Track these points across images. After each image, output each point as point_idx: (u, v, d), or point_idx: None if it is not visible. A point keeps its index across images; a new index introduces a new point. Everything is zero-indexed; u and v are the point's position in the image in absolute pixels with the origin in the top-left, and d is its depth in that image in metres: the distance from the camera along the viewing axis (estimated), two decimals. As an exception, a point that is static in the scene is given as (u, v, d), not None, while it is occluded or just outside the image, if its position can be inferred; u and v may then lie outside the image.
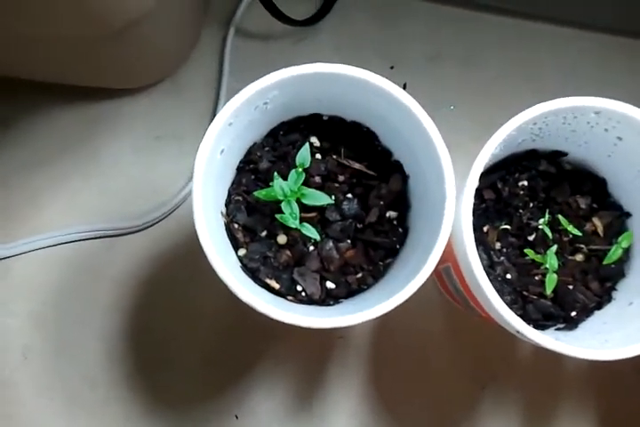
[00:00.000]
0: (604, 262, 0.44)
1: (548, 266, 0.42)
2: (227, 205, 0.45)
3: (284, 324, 0.53)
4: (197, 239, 0.37)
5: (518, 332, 0.37)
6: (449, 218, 0.38)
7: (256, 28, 0.62)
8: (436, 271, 0.49)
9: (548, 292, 0.42)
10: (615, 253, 0.44)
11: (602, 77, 0.62)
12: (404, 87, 0.61)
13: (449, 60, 0.62)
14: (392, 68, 0.62)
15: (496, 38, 0.63)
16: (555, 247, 0.43)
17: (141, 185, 0.59)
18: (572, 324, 0.44)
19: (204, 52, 0.62)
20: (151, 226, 0.57)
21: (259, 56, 0.62)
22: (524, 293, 0.44)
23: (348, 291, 0.44)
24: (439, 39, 0.62)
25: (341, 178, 0.46)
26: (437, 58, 0.62)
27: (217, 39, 0.62)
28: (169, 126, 0.60)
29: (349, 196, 0.46)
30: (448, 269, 0.46)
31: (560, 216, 0.44)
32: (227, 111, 0.39)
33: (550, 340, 0.37)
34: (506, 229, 0.45)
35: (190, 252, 0.56)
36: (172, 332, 0.55)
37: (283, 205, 0.42)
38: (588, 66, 0.62)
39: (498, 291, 0.43)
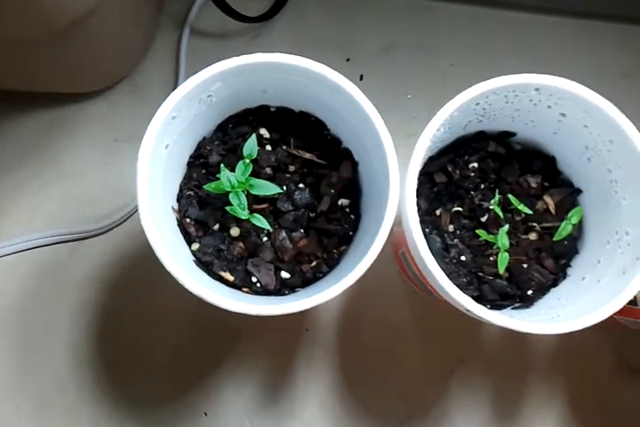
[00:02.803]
0: (555, 239, 0.44)
1: (499, 245, 0.43)
2: (178, 200, 0.45)
3: (249, 320, 0.53)
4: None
5: (468, 310, 0.37)
6: (393, 201, 0.38)
7: (211, 27, 0.62)
8: (397, 257, 0.50)
9: (501, 271, 0.42)
10: (565, 228, 0.44)
11: (559, 61, 0.62)
12: (361, 79, 0.61)
13: (404, 50, 0.62)
14: (348, 60, 0.62)
15: (450, 26, 0.63)
16: (506, 227, 0.43)
17: (102, 188, 0.59)
18: (528, 302, 0.44)
19: (159, 52, 0.62)
20: (113, 228, 0.57)
21: (215, 54, 0.61)
22: (480, 274, 0.44)
23: (303, 280, 0.44)
24: (393, 29, 0.63)
25: (292, 168, 0.46)
26: (393, 48, 0.62)
27: (172, 39, 0.62)
28: (127, 128, 0.60)
29: (301, 185, 0.46)
30: (405, 255, 0.46)
31: (510, 196, 0.44)
32: (168, 105, 0.39)
33: (499, 316, 0.37)
34: (458, 211, 0.45)
35: (153, 252, 0.56)
36: (138, 332, 0.55)
37: (231, 197, 0.42)
38: (544, 50, 0.63)
39: (452, 273, 0.43)
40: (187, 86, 0.39)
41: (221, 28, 0.62)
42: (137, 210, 0.56)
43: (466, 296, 0.37)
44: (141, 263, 0.57)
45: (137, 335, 0.55)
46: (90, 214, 0.58)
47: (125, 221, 0.58)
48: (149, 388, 0.55)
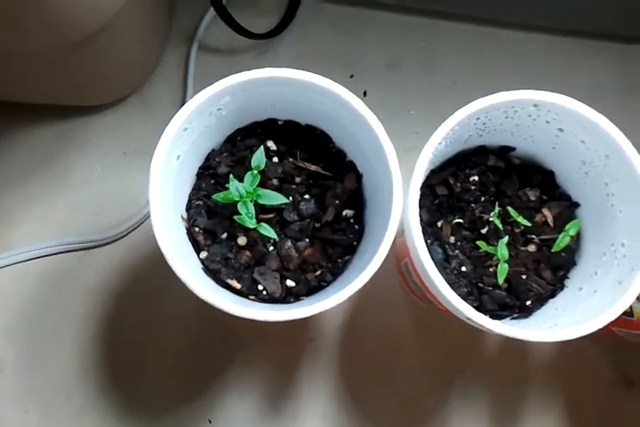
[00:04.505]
0: (553, 250, 0.45)
1: (499, 256, 0.44)
2: (187, 210, 0.46)
3: (253, 329, 0.54)
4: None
5: (468, 318, 0.38)
6: (396, 212, 0.39)
7: (219, 43, 0.64)
8: (399, 269, 0.51)
9: (500, 281, 0.44)
10: (563, 240, 0.45)
11: (558, 78, 0.63)
12: (365, 95, 0.63)
13: (407, 67, 0.64)
14: (352, 76, 0.63)
15: (452, 44, 0.65)
16: (506, 238, 0.45)
17: (111, 199, 0.60)
18: (526, 312, 0.45)
19: (168, 67, 0.63)
20: (121, 238, 0.59)
21: (222, 70, 0.62)
22: (480, 284, 0.45)
23: (308, 288, 0.45)
24: (397, 47, 0.64)
25: (298, 179, 0.47)
26: (396, 65, 0.64)
27: (181, 54, 0.63)
28: (136, 141, 0.61)
29: (306, 196, 0.47)
30: (407, 265, 0.47)
31: (510, 208, 0.45)
32: (180, 117, 0.41)
33: (498, 323, 0.38)
34: (459, 222, 0.47)
35: (160, 261, 0.56)
36: (143, 340, 0.56)
37: (239, 206, 0.43)
38: (543, 68, 0.64)
39: (453, 283, 0.44)
40: (198, 99, 0.41)
41: (229, 44, 0.64)
42: (144, 220, 0.58)
43: (467, 304, 0.38)
44: (148, 273, 0.58)
45: (142, 343, 0.56)
46: (98, 224, 0.59)
47: (133, 231, 0.59)
48: (154, 395, 0.56)
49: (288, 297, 0.45)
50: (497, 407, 0.56)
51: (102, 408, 0.55)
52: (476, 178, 0.47)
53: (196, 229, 0.46)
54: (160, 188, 0.40)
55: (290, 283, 0.45)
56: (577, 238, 0.47)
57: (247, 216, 0.43)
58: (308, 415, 0.56)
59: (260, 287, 0.45)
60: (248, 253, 0.45)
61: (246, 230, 0.45)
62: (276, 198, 0.44)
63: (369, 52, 0.64)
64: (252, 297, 0.45)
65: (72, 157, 0.61)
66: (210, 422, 0.55)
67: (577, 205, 0.47)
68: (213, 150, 0.47)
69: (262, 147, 0.45)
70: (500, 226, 0.45)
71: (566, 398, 0.56)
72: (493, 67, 0.64)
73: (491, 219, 0.46)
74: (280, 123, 0.48)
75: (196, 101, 0.41)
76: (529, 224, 0.46)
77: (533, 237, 0.47)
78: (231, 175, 0.44)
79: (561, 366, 0.56)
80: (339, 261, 0.46)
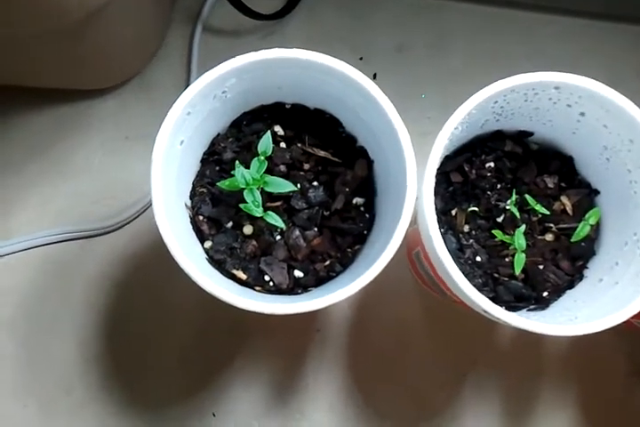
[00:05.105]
0: (572, 240, 0.43)
1: (516, 246, 0.42)
2: (191, 197, 0.45)
3: (259, 320, 0.52)
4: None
5: (485, 311, 0.37)
6: (410, 200, 0.38)
7: (224, 24, 0.62)
8: (410, 258, 0.49)
9: (517, 272, 0.42)
10: (583, 230, 0.43)
11: (573, 61, 0.61)
12: (374, 77, 0.61)
13: (418, 50, 0.62)
14: (361, 59, 0.61)
15: (464, 26, 0.62)
16: (523, 227, 0.43)
17: (113, 186, 0.58)
18: (543, 304, 0.43)
19: (171, 49, 0.61)
20: (123, 226, 0.57)
21: (227, 52, 0.60)
22: (495, 275, 0.44)
23: (316, 279, 0.43)
24: (407, 29, 0.62)
25: (307, 166, 0.46)
26: (406, 47, 0.62)
27: (184, 36, 0.61)
28: (138, 126, 0.60)
29: (315, 183, 0.45)
30: (418, 255, 0.46)
31: (527, 196, 0.44)
32: (183, 100, 0.39)
33: (516, 317, 0.36)
34: (474, 211, 0.45)
35: (163, 251, 0.55)
36: (147, 332, 0.55)
37: (245, 194, 0.41)
38: (557, 50, 0.62)
39: (468, 274, 0.43)
40: (202, 82, 0.39)
41: (234, 25, 0.62)
42: (147, 208, 0.56)
43: (483, 297, 0.37)
44: (151, 262, 0.56)
45: (145, 334, 0.55)
46: (99, 212, 0.57)
47: (135, 219, 0.57)
48: (157, 387, 0.54)
49: (296, 288, 0.43)
50: (511, 401, 0.54)
51: (103, 401, 0.54)
52: (492, 164, 0.46)
53: (201, 217, 0.44)
54: (163, 174, 0.38)
55: (298, 273, 0.43)
56: (597, 227, 0.45)
57: (253, 204, 0.41)
58: (315, 408, 0.54)
59: (267, 278, 0.43)
60: (254, 242, 0.44)
61: (252, 219, 0.44)
62: (283, 186, 0.42)
63: (378, 33, 0.62)
64: (258, 288, 0.43)
65: (73, 142, 0.59)
66: (214, 415, 0.54)
67: (597, 192, 0.45)
68: (218, 135, 0.45)
69: (269, 132, 0.43)
70: (517, 214, 0.44)
71: (580, 390, 0.55)
72: (506, 50, 0.62)
73: (507, 207, 0.44)
74: (288, 106, 0.46)
75: (199, 84, 0.39)
76: (547, 212, 0.44)
77: (551, 225, 0.45)
78: (237, 161, 0.42)
79: (576, 358, 0.55)
80: (348, 250, 0.44)
